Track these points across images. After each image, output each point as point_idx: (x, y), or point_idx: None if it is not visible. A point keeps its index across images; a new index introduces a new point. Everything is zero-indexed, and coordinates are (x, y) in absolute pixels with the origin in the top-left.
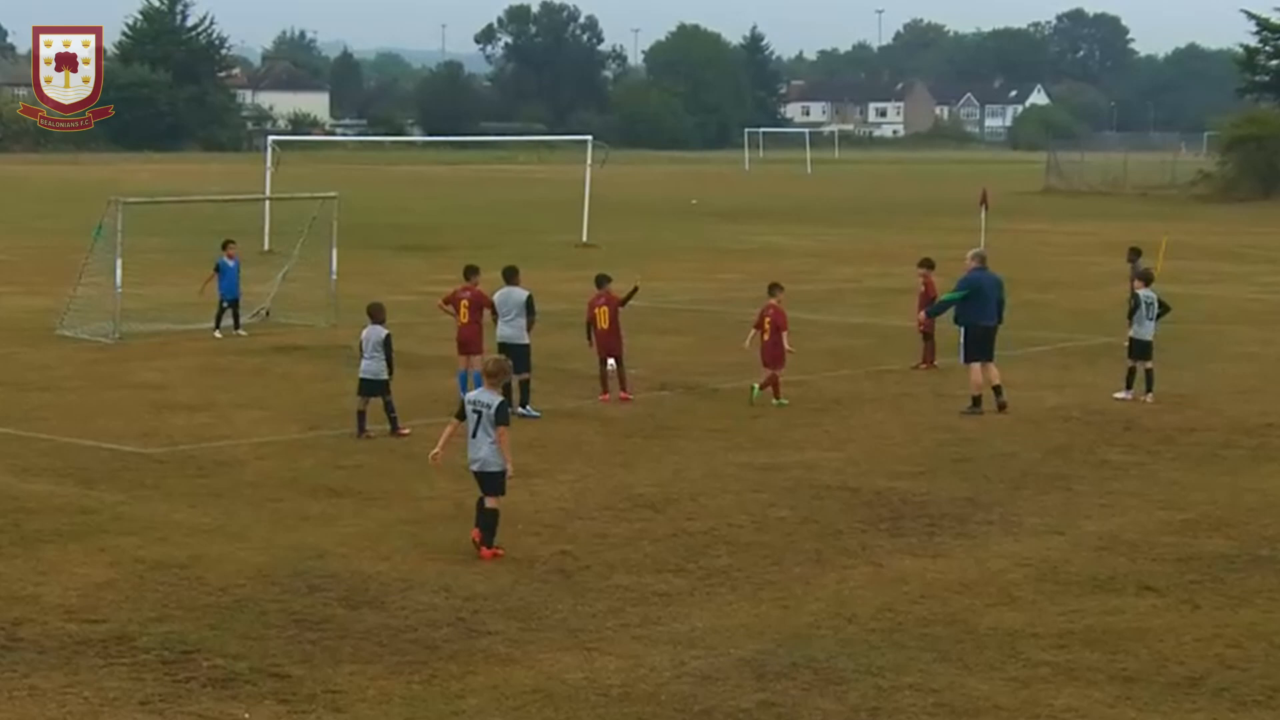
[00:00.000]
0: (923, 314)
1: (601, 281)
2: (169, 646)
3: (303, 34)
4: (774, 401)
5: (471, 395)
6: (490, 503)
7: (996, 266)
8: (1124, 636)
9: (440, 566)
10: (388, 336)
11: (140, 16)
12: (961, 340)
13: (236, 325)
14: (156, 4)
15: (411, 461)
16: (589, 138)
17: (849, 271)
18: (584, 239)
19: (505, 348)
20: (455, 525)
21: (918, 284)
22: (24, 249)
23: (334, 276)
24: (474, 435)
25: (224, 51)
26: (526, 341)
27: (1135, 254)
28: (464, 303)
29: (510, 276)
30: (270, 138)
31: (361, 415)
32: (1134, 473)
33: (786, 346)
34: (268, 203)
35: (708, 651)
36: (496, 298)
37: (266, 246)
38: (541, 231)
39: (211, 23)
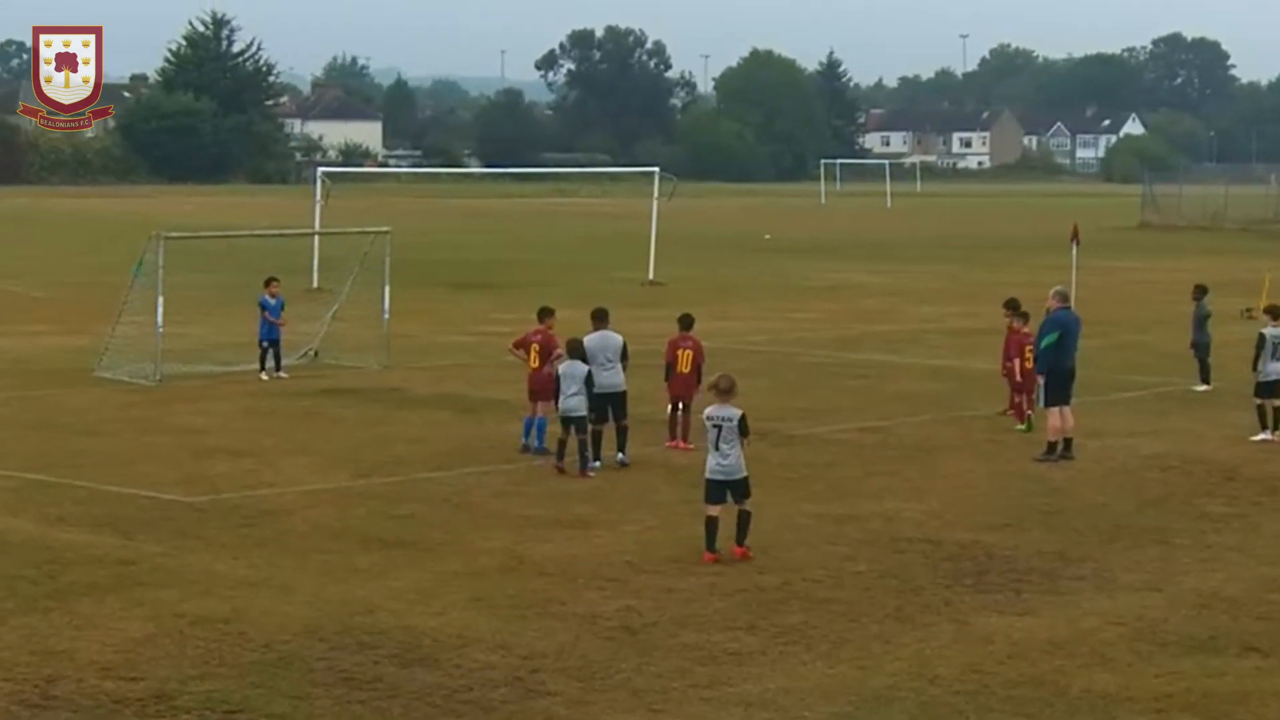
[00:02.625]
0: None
1: (685, 323)
2: (211, 706)
3: (355, 60)
4: (1018, 427)
5: (710, 410)
6: (744, 505)
7: (1090, 306)
8: (1226, 700)
9: (497, 623)
10: (589, 373)
11: (184, 42)
12: (1042, 383)
13: (278, 367)
14: (201, 29)
15: (466, 512)
16: (655, 169)
17: (930, 311)
18: (651, 276)
19: (603, 395)
20: (513, 579)
21: (1003, 326)
22: (61, 286)
23: (386, 316)
24: (716, 448)
25: (271, 79)
26: (625, 388)
27: (1201, 292)
28: (534, 346)
29: (601, 319)
30: (320, 169)
31: (562, 445)
32: (1235, 525)
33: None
34: (317, 238)
35: (780, 714)
36: (588, 342)
37: (315, 284)
38: (606, 268)
39: (259, 48)
